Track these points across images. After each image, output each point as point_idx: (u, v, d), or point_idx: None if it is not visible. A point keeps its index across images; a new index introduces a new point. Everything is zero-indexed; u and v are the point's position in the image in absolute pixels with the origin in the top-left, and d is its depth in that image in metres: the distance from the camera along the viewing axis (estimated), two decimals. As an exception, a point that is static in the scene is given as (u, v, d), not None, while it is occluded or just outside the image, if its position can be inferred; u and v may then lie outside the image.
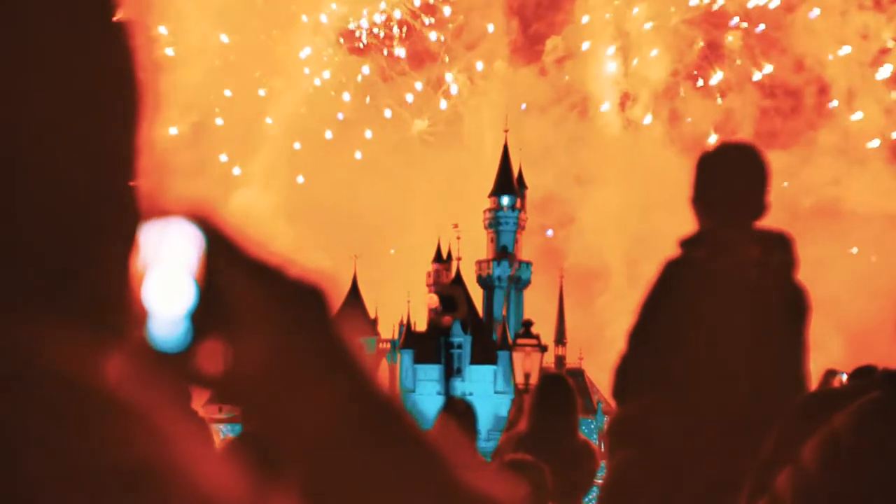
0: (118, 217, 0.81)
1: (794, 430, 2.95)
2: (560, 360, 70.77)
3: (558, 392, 6.53)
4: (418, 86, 78.00)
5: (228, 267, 0.85)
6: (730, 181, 4.67)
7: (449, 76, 78.68)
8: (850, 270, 67.24)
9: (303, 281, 0.88)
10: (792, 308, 4.62)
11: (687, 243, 4.60)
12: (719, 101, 74.91)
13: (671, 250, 4.63)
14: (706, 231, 4.61)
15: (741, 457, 3.95)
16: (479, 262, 76.56)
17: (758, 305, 4.54)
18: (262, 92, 73.52)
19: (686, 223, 4.69)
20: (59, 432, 0.70)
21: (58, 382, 0.72)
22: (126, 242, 0.82)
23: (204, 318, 0.84)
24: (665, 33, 75.69)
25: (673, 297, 4.54)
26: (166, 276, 0.84)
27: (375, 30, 76.42)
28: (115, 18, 0.81)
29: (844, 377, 6.95)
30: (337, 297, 0.89)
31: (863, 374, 5.87)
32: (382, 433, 0.87)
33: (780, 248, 4.62)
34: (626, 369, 4.62)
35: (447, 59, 78.21)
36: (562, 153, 76.65)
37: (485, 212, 76.10)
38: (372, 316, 69.73)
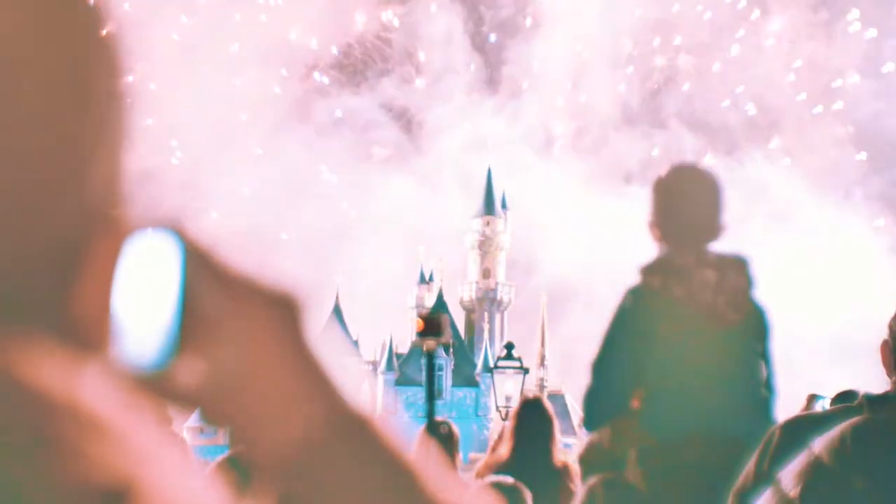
0: (100, 234, 0.80)
1: (773, 454, 2.96)
2: (541, 382, 70.73)
3: (536, 415, 6.56)
4: (382, 115, 79.02)
5: (202, 281, 0.84)
6: (682, 205, 4.67)
7: (411, 104, 79.72)
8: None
9: (276, 293, 0.87)
10: (750, 329, 4.63)
11: (644, 270, 4.61)
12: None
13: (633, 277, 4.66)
14: (662, 257, 4.62)
15: (708, 480, 3.97)
16: (461, 284, 76.61)
17: (714, 329, 4.55)
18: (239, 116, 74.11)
19: (647, 249, 4.71)
20: (36, 452, 0.69)
21: (36, 401, 0.71)
22: (107, 260, 0.81)
23: (178, 334, 0.83)
24: (615, 67, 77.32)
25: (632, 326, 4.55)
26: (140, 293, 0.83)
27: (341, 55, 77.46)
28: (102, 53, 0.81)
29: (827, 401, 6.96)
30: (313, 309, 0.88)
31: (845, 398, 5.88)
32: (358, 447, 0.86)
33: (736, 270, 4.62)
34: (593, 399, 4.65)
35: (410, 90, 79.44)
36: (522, 182, 77.53)
37: (468, 234, 76.24)
38: (354, 338, 69.63)
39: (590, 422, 4.77)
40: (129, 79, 0.83)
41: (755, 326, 4.65)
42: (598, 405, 4.64)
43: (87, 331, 0.80)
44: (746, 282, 4.62)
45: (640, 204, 4.93)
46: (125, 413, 0.75)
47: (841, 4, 75.10)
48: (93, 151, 0.80)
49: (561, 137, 78.93)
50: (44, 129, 0.77)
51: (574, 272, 72.33)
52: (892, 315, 2.78)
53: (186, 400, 0.85)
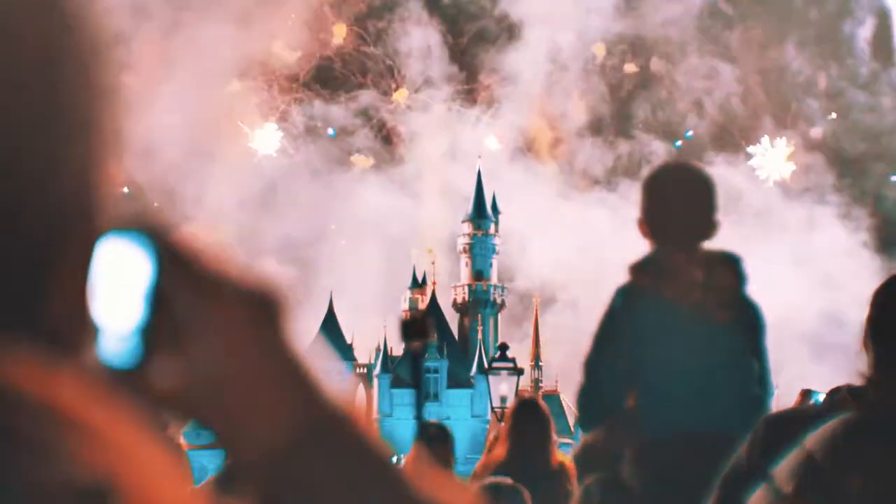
0: (77, 234, 0.80)
1: (764, 449, 2.96)
2: (536, 383, 70.69)
3: (533, 416, 6.55)
4: (362, 125, 79.41)
5: (178, 282, 0.84)
6: (673, 204, 4.66)
7: (390, 115, 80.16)
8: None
9: (254, 293, 0.86)
10: (741, 326, 4.63)
11: (634, 269, 4.60)
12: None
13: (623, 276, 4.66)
14: (652, 256, 4.61)
15: (703, 478, 3.98)
16: (455, 287, 76.63)
17: (706, 327, 4.55)
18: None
19: (638, 248, 4.70)
20: (14, 452, 0.69)
21: (13, 401, 0.71)
22: (84, 260, 0.81)
23: (155, 332, 0.83)
24: (589, 75, 77.91)
25: (623, 325, 4.55)
26: (115, 294, 0.82)
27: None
28: (81, 57, 0.81)
29: (822, 396, 6.96)
30: (293, 309, 0.88)
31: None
32: (340, 447, 0.86)
33: (725, 268, 4.61)
34: (586, 399, 4.65)
35: (389, 101, 79.90)
36: (501, 189, 77.82)
37: (460, 237, 76.31)
38: (348, 341, 69.51)
39: (584, 421, 4.79)
40: (110, 84, 0.83)
41: (747, 324, 4.65)
42: (592, 405, 4.65)
43: (63, 332, 0.79)
44: (737, 279, 4.62)
45: (616, 209, 4.95)
46: (102, 413, 0.74)
47: (806, 14, 75.78)
48: (69, 153, 0.79)
49: (539, 144, 79.53)
50: (16, 130, 0.76)
51: (556, 275, 72.41)
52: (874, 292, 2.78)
53: (166, 401, 0.85)
